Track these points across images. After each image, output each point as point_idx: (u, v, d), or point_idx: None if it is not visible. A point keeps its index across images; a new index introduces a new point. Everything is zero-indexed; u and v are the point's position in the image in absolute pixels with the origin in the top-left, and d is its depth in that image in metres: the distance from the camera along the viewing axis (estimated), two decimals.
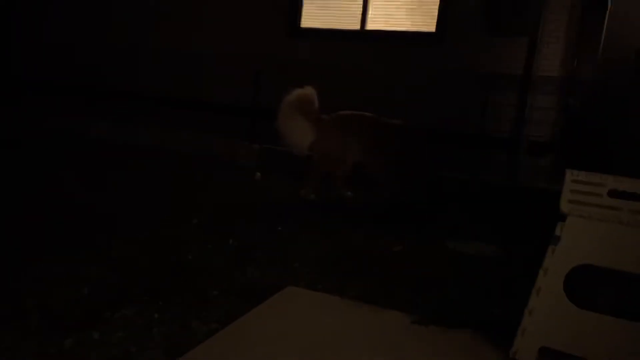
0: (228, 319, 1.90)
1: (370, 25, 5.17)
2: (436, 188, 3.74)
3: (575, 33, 4.44)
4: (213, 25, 5.69)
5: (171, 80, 5.90)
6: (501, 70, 4.55)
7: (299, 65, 5.23)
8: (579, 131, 3.37)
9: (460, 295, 2.25)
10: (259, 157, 5.18)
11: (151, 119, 5.92)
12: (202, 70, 5.74)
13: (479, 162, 4.49)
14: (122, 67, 6.21)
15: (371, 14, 5.17)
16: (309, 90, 3.83)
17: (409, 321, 1.94)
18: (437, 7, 4.87)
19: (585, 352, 1.65)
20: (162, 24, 5.95)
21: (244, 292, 2.15)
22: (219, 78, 5.63)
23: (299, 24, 5.39)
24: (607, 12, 2.10)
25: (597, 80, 2.24)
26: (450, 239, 3.13)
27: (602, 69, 2.18)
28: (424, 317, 1.97)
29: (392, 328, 1.90)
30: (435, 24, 4.89)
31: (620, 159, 1.93)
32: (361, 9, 5.16)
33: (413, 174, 3.63)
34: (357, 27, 5.18)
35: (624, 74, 1.97)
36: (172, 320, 1.87)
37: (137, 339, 1.72)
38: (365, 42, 5.14)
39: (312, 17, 5.39)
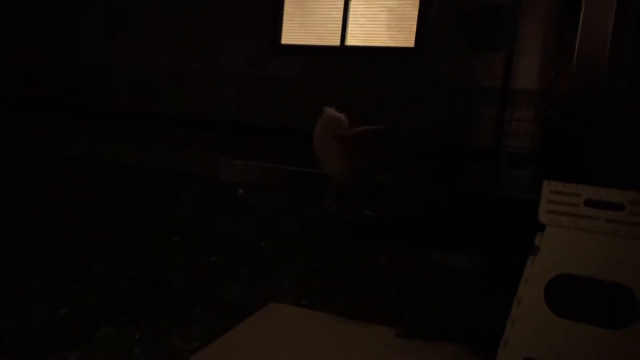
0: (211, 337, 1.87)
1: (350, 41, 5.23)
2: (456, 203, 3.70)
3: (552, 46, 4.56)
4: (194, 42, 5.70)
5: (150, 97, 5.87)
6: (480, 84, 4.63)
7: (280, 81, 5.26)
8: (557, 142, 3.43)
9: (443, 308, 2.26)
10: (241, 173, 5.16)
11: (130, 136, 5.88)
12: (183, 86, 5.73)
13: (460, 174, 4.54)
14: (97, 83, 6.17)
15: (350, 30, 5.23)
16: (332, 112, 3.87)
17: (392, 335, 1.93)
18: (415, 22, 4.96)
19: None
20: (142, 40, 5.95)
21: (227, 309, 2.12)
22: (201, 94, 5.63)
23: (280, 40, 5.43)
24: (580, 24, 2.15)
25: (573, 91, 2.29)
26: (433, 251, 3.15)
27: (576, 80, 2.22)
28: (407, 330, 1.96)
29: (376, 343, 1.89)
30: (414, 39, 4.97)
31: (596, 169, 1.96)
32: (341, 25, 5.22)
33: (430, 188, 3.58)
34: (337, 43, 5.24)
35: (596, 84, 2.01)
36: (153, 339, 1.83)
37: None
38: (345, 57, 5.19)
39: (292, 34, 5.43)
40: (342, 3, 5.22)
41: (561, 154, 2.51)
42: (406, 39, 5.03)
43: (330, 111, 3.88)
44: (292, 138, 5.18)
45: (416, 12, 4.97)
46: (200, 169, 5.30)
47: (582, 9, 2.20)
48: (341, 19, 5.23)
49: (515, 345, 1.69)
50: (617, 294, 1.72)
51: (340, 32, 5.24)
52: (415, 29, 4.97)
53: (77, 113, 6.24)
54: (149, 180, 4.87)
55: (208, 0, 5.66)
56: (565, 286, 1.79)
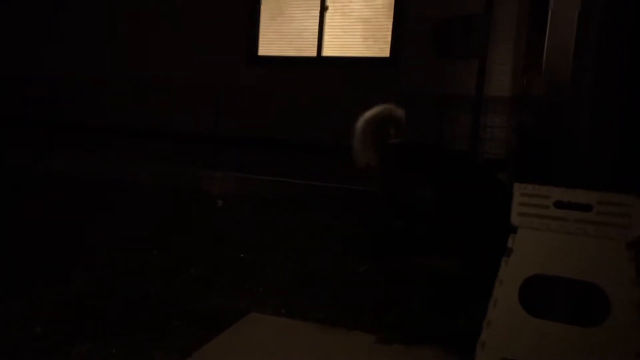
0: (191, 349, 1.86)
1: (327, 52, 5.29)
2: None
3: (523, 54, 4.67)
4: (170, 54, 5.69)
5: (126, 110, 5.83)
6: (455, 92, 4.71)
7: (257, 92, 5.28)
8: (530, 147, 3.50)
9: (424, 311, 2.28)
10: (220, 185, 5.15)
11: (105, 150, 5.81)
12: (160, 99, 5.70)
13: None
14: (70, 98, 6.09)
15: (327, 41, 5.29)
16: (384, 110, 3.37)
17: (373, 341, 1.95)
18: (390, 33, 5.04)
19: None
20: (116, 52, 5.91)
21: (207, 321, 2.11)
22: (178, 107, 5.61)
23: (257, 52, 5.46)
24: (546, 33, 2.22)
25: (542, 97, 2.36)
26: (414, 256, 3.17)
27: (544, 87, 2.29)
28: (388, 335, 1.98)
29: (357, 349, 1.90)
30: (389, 49, 5.05)
31: (565, 171, 2.02)
32: (317, 36, 5.28)
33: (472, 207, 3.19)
34: (314, 53, 5.29)
35: (563, 90, 2.08)
36: (132, 353, 1.81)
37: None
38: (322, 68, 5.24)
39: (269, 45, 5.47)
40: (318, 14, 5.28)
41: (532, 158, 2.58)
42: (381, 49, 5.11)
43: (382, 108, 3.35)
44: (271, 149, 5.19)
45: (391, 23, 5.06)
46: (178, 182, 5.26)
47: (549, 19, 2.27)
48: (317, 30, 5.29)
49: (492, 346, 1.71)
50: (589, 293, 1.77)
51: (316, 42, 5.29)
52: (390, 39, 5.06)
53: (49, 128, 6.15)
54: (126, 195, 4.82)
55: (184, 12, 5.66)
56: (539, 286, 1.83)
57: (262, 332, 2.01)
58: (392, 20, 5.04)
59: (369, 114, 3.42)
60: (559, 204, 1.74)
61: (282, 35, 5.45)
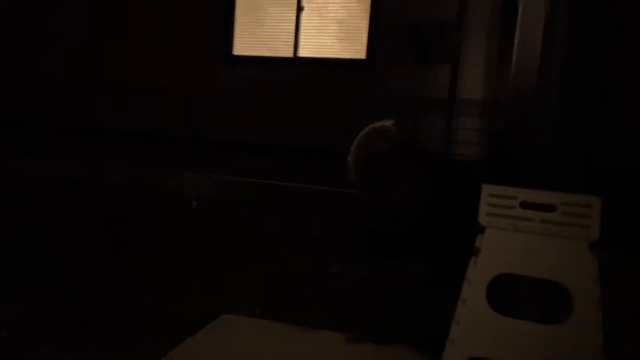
0: (161, 354, 1.83)
1: (303, 53, 5.30)
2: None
3: (496, 58, 4.77)
4: (144, 53, 5.63)
5: (96, 111, 5.74)
6: (429, 95, 4.79)
7: (233, 93, 5.26)
8: (500, 150, 3.57)
9: (394, 311, 2.31)
10: (194, 186, 5.10)
11: (75, 151, 5.70)
12: (134, 99, 5.63)
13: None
14: (37, 98, 5.97)
15: (303, 42, 5.31)
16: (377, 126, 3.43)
17: (344, 340, 1.96)
18: (366, 35, 5.09)
19: (509, 357, 1.73)
20: (85, 52, 5.81)
21: (179, 324, 2.09)
22: (152, 107, 5.55)
23: (232, 51, 5.43)
24: (516, 37, 2.28)
25: (512, 101, 2.42)
26: (386, 257, 3.20)
27: (513, 90, 2.35)
28: (358, 335, 2.00)
29: (329, 348, 1.91)
30: (365, 51, 5.09)
31: (531, 173, 2.07)
32: (293, 37, 5.29)
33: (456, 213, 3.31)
34: (290, 54, 5.30)
35: (530, 94, 2.13)
36: (99, 357, 1.79)
37: None
38: (298, 69, 5.25)
39: (245, 45, 5.46)
40: (294, 15, 5.29)
41: (502, 160, 2.64)
42: (357, 50, 5.15)
43: (374, 125, 3.43)
44: (247, 150, 5.18)
45: (367, 25, 5.11)
46: (152, 182, 5.19)
47: (517, 24, 2.33)
48: (293, 31, 5.30)
49: (460, 344, 1.74)
50: (553, 291, 1.82)
51: (292, 43, 5.31)
52: (366, 41, 5.10)
53: (14, 128, 6.01)
54: (97, 196, 4.74)
55: (156, 10, 5.60)
56: (506, 285, 1.87)
57: (235, 333, 2.01)
58: (367, 22, 5.08)
59: (361, 133, 3.55)
60: (524, 205, 1.78)
61: (257, 35, 5.45)
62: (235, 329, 2.05)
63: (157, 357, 1.80)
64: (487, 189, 1.82)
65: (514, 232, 1.77)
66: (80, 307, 2.19)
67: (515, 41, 2.36)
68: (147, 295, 2.37)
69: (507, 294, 1.89)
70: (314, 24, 5.28)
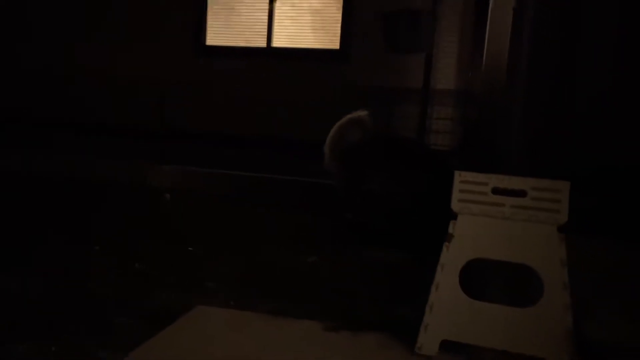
0: (135, 346, 1.81)
1: (276, 43, 5.27)
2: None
3: (469, 48, 4.82)
4: (116, 44, 5.50)
5: (66, 103, 5.59)
6: (402, 85, 4.81)
7: (206, 83, 5.19)
8: (472, 138, 3.62)
9: (371, 299, 2.32)
10: (168, 178, 5.03)
11: (45, 144, 5.55)
12: (104, 91, 5.50)
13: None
14: (7, 90, 5.79)
15: (276, 32, 5.27)
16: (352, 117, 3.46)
17: (320, 328, 1.97)
18: (339, 25, 5.07)
19: (482, 341, 1.77)
20: (54, 42, 5.65)
21: (153, 317, 2.06)
22: (124, 99, 5.44)
23: (205, 41, 5.36)
24: (487, 27, 2.30)
25: (483, 90, 2.45)
26: (363, 247, 3.22)
27: (484, 80, 2.38)
28: (335, 323, 2.00)
29: (305, 337, 1.91)
30: (339, 41, 5.08)
31: (502, 159, 2.11)
32: (267, 27, 5.24)
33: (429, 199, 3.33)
34: (264, 44, 5.25)
35: (500, 84, 2.16)
36: (72, 352, 1.75)
37: None
38: (272, 59, 5.21)
39: (218, 35, 5.38)
40: (267, 4, 5.24)
41: (475, 148, 2.67)
42: (331, 40, 5.14)
43: (350, 116, 3.46)
44: (221, 141, 5.12)
45: (340, 15, 5.09)
46: (123, 176, 5.10)
47: (489, 13, 2.36)
48: (267, 21, 5.25)
49: (434, 328, 1.77)
50: (525, 275, 1.86)
51: (266, 33, 5.26)
52: (339, 32, 5.09)
53: None
54: (68, 190, 4.63)
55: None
56: (479, 270, 1.91)
57: (210, 324, 1.99)
58: (341, 12, 5.07)
59: (336, 125, 3.55)
60: (496, 191, 1.81)
61: (231, 25, 5.38)
62: (210, 320, 2.03)
63: (132, 349, 1.78)
64: (459, 176, 1.85)
65: (486, 218, 1.80)
66: (51, 301, 2.14)
67: (487, 31, 2.39)
68: (120, 289, 2.33)
69: (480, 278, 1.92)
70: (287, 14, 5.23)
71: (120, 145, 5.30)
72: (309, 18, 5.21)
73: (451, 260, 1.80)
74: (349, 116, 3.62)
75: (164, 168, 5.07)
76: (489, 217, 1.80)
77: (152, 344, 1.81)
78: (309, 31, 5.21)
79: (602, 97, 2.08)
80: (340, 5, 5.01)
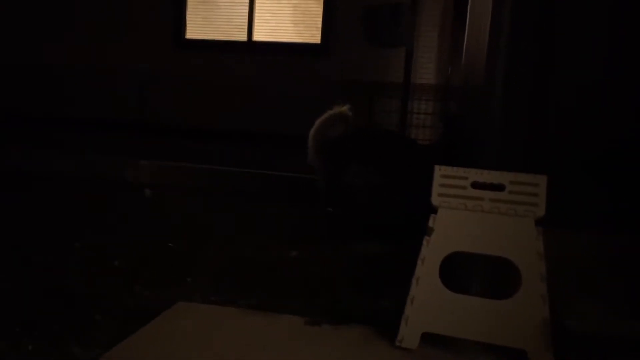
0: (114, 343, 1.79)
1: (257, 37, 5.23)
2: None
3: (449, 43, 4.86)
4: (93, 37, 5.39)
5: (41, 97, 5.47)
6: (383, 79, 4.83)
7: (184, 77, 5.13)
8: (453, 132, 3.65)
9: (353, 293, 2.34)
10: (147, 174, 4.97)
11: (21, 140, 5.43)
12: (79, 85, 5.40)
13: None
14: None
15: (257, 26, 5.23)
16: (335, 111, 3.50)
17: (302, 323, 1.97)
18: (320, 19, 5.06)
19: (462, 333, 1.79)
20: (27, 36, 5.52)
21: (133, 313, 2.04)
22: (100, 93, 5.34)
23: (184, 35, 5.29)
24: (467, 21, 2.32)
25: (463, 85, 2.47)
26: (345, 241, 3.23)
27: (463, 75, 2.40)
28: (316, 317, 2.01)
29: (287, 331, 1.92)
30: (320, 35, 5.07)
31: (484, 154, 2.13)
32: (247, 20, 5.20)
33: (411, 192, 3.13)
34: (244, 38, 5.21)
35: (480, 78, 2.19)
36: (50, 350, 1.72)
37: None
38: (252, 53, 5.18)
39: (197, 28, 5.33)
40: None
41: (455, 143, 2.70)
42: (312, 35, 5.12)
43: (333, 111, 3.50)
44: (201, 136, 5.07)
45: (321, 9, 5.08)
46: (102, 171, 5.02)
47: (468, 10, 2.38)
48: (247, 14, 5.21)
49: (415, 321, 1.79)
50: (503, 267, 1.88)
51: (246, 27, 5.22)
52: (320, 26, 5.08)
53: None
54: (47, 186, 4.54)
55: None
56: (459, 263, 1.93)
57: (191, 320, 1.98)
58: (322, 6, 5.05)
59: (319, 119, 3.55)
60: (475, 185, 1.84)
61: (210, 18, 5.32)
62: (191, 316, 2.02)
63: (111, 346, 1.76)
64: (439, 170, 1.87)
65: (466, 212, 1.82)
66: (30, 298, 2.10)
67: (466, 26, 2.40)
68: (100, 285, 2.30)
69: (460, 271, 1.95)
70: (268, 8, 5.20)
71: (98, 138, 5.21)
72: (290, 12, 5.18)
73: (431, 253, 1.82)
74: (330, 111, 3.64)
75: (144, 163, 5.00)
76: (469, 211, 1.82)
77: (133, 340, 1.80)
78: (290, 25, 5.19)
79: (582, 91, 2.12)
80: None
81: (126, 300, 2.17)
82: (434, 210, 1.86)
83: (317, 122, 3.60)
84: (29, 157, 5.22)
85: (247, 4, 5.15)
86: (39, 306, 2.04)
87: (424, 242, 1.83)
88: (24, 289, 2.19)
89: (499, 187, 1.82)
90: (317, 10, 5.07)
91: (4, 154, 5.29)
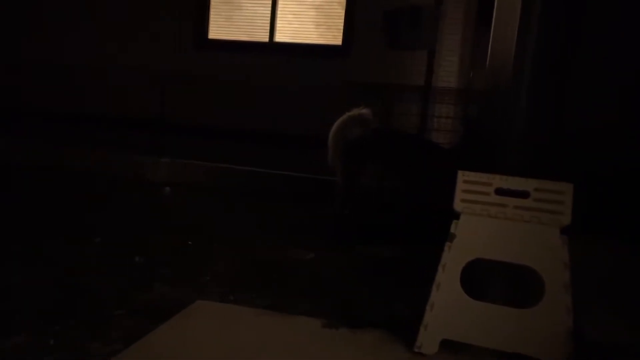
0: (133, 339, 1.80)
1: (279, 38, 5.23)
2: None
3: (471, 46, 4.80)
4: (115, 36, 5.46)
5: (65, 95, 5.55)
6: (404, 82, 4.79)
7: (207, 77, 5.16)
8: (475, 137, 3.61)
9: (370, 297, 2.32)
10: (167, 172, 5.01)
11: (45, 136, 5.52)
12: (104, 83, 5.47)
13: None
14: (6, 79, 5.74)
15: (279, 27, 5.24)
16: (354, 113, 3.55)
17: (319, 325, 1.96)
18: (342, 20, 5.05)
19: (482, 341, 1.77)
20: (55, 34, 5.61)
21: (151, 310, 2.05)
22: (123, 91, 5.40)
23: (207, 35, 5.32)
24: (492, 25, 2.29)
25: (487, 89, 2.43)
26: (360, 244, 3.22)
27: (488, 79, 2.36)
28: (333, 320, 2.00)
29: (304, 334, 1.91)
30: (341, 37, 5.06)
31: (505, 160, 2.10)
32: (269, 22, 5.21)
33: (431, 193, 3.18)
34: (266, 39, 5.22)
35: (504, 83, 2.15)
36: (70, 344, 1.74)
37: None
38: (274, 54, 5.18)
39: (220, 29, 5.35)
40: None
41: (476, 147, 2.66)
42: (334, 36, 5.11)
43: (351, 113, 3.55)
44: (221, 136, 5.10)
45: (343, 11, 5.06)
46: (124, 169, 5.08)
47: (494, 13, 2.34)
48: (269, 15, 5.22)
49: (434, 328, 1.77)
50: (526, 276, 1.85)
51: (268, 28, 5.23)
52: (342, 27, 5.06)
53: None
54: (68, 183, 4.61)
55: None
56: (480, 271, 1.90)
57: (209, 319, 1.99)
58: (344, 8, 5.04)
59: (337, 121, 3.55)
60: (499, 191, 1.81)
61: (233, 19, 5.35)
62: (210, 315, 2.03)
63: (131, 343, 1.77)
64: (462, 175, 1.84)
65: (488, 218, 1.79)
66: (51, 293, 2.13)
67: (492, 29, 2.37)
68: (120, 282, 2.32)
69: (481, 278, 1.92)
70: (290, 9, 5.21)
71: (120, 138, 5.27)
72: (312, 14, 5.18)
73: (453, 260, 1.79)
74: (349, 113, 3.64)
75: (164, 161, 5.05)
76: (492, 218, 1.79)
77: (153, 337, 1.81)
78: (312, 27, 5.18)
79: (608, 98, 2.07)
80: (343, 1, 4.99)
81: (145, 297, 2.19)
82: (456, 216, 1.83)
83: (336, 123, 3.61)
84: (47, 152, 5.31)
85: (270, 5, 5.17)
86: (60, 301, 2.07)
87: (445, 248, 1.81)
88: (46, 285, 2.22)
89: (523, 194, 1.79)
90: (339, 12, 5.06)
91: (24, 149, 5.39)
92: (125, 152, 5.21)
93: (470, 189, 1.83)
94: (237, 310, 2.08)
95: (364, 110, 3.59)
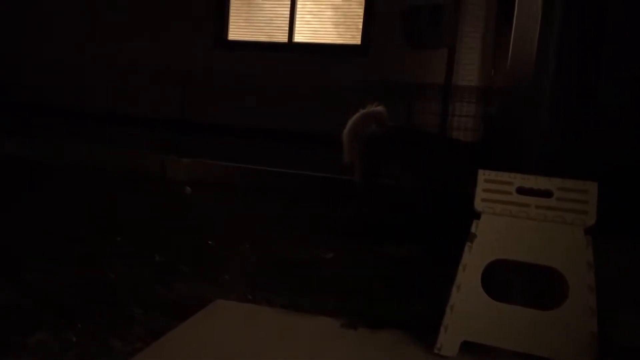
0: (153, 337, 1.82)
1: (298, 38, 5.25)
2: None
3: (491, 45, 4.73)
4: (136, 37, 5.54)
5: (88, 94, 5.65)
6: (424, 81, 4.75)
7: (226, 77, 5.19)
8: (496, 136, 3.55)
9: (389, 297, 2.30)
10: (188, 171, 5.06)
11: (68, 134, 5.63)
12: (125, 82, 5.55)
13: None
14: (28, 79, 5.86)
15: (298, 27, 5.24)
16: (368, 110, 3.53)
17: (338, 325, 1.95)
18: (361, 20, 5.03)
19: (504, 343, 1.73)
20: (77, 34, 5.71)
21: (171, 308, 2.07)
22: (144, 91, 5.48)
23: (226, 36, 5.36)
24: (513, 24, 2.25)
25: (507, 87, 2.39)
26: (379, 243, 3.19)
27: (510, 76, 2.32)
28: (352, 320, 1.99)
29: (323, 333, 1.90)
30: (360, 36, 5.04)
31: (527, 158, 2.06)
32: (288, 22, 5.23)
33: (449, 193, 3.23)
34: (285, 39, 5.23)
35: (527, 80, 2.11)
36: (91, 341, 1.77)
37: None
38: (293, 54, 5.19)
39: (239, 29, 5.39)
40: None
41: (496, 146, 2.62)
42: (353, 36, 5.10)
43: (366, 110, 3.53)
44: (240, 135, 5.13)
45: (362, 10, 5.05)
46: (144, 168, 5.15)
47: (515, 10, 2.30)
48: (288, 16, 5.23)
49: (454, 329, 1.74)
50: (548, 277, 1.81)
51: (287, 28, 5.24)
52: (361, 27, 5.05)
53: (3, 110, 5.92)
54: (90, 181, 4.69)
55: None
56: (501, 271, 1.87)
57: (228, 319, 2.00)
58: (363, 7, 5.02)
59: (353, 117, 3.54)
60: (521, 190, 1.77)
61: (252, 19, 5.38)
62: (229, 315, 2.04)
63: (151, 341, 1.79)
64: (483, 175, 1.81)
65: (510, 218, 1.76)
66: (73, 291, 2.17)
67: (513, 27, 2.33)
68: (141, 280, 2.35)
69: (502, 279, 1.88)
70: (309, 9, 5.21)
71: (141, 137, 5.34)
72: (331, 13, 5.17)
73: (473, 260, 1.77)
74: (363, 110, 3.62)
75: (185, 161, 5.10)
76: (513, 218, 1.76)
77: (172, 336, 1.82)
78: (331, 26, 5.18)
79: (632, 95, 2.02)
80: (362, 0, 4.97)
81: (165, 295, 2.21)
82: (477, 216, 1.80)
83: (350, 121, 3.59)
84: (69, 150, 5.40)
85: (289, 6, 5.18)
86: (81, 299, 2.10)
87: (466, 249, 1.78)
88: (67, 282, 2.25)
89: (546, 194, 1.75)
90: (358, 11, 5.05)
91: (43, 147, 5.48)
92: (147, 151, 5.28)
93: (491, 188, 1.80)
94: (256, 309, 2.09)
95: (378, 108, 3.57)
